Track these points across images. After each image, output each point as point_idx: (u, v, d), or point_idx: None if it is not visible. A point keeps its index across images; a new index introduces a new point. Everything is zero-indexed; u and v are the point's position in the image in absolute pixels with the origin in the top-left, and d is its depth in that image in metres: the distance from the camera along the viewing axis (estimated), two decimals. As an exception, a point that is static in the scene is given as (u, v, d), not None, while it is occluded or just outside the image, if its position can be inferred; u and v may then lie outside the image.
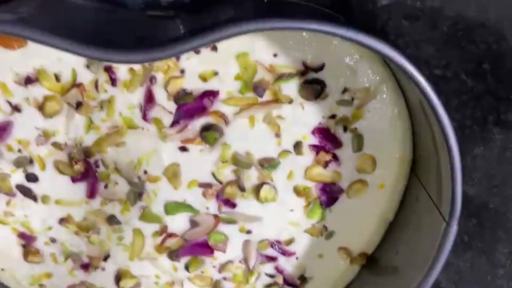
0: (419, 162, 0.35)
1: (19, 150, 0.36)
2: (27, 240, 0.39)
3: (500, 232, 0.36)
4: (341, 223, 0.38)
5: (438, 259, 0.29)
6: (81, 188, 0.37)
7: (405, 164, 0.35)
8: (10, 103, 0.34)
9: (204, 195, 0.37)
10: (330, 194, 0.37)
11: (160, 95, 0.34)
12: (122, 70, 0.33)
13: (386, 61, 0.32)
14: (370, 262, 0.39)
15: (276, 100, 0.34)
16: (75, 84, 0.33)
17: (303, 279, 0.40)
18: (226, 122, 0.35)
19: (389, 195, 0.36)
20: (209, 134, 0.35)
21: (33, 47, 0.33)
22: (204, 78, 0.33)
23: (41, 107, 0.34)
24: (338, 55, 0.32)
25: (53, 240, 0.39)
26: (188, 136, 0.35)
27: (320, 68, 0.32)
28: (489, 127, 0.32)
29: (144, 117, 0.35)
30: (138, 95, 0.34)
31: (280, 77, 0.33)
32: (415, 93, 0.28)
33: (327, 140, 0.35)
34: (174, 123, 0.35)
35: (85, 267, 0.40)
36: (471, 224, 0.37)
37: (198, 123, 0.35)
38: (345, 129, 0.34)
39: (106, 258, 0.40)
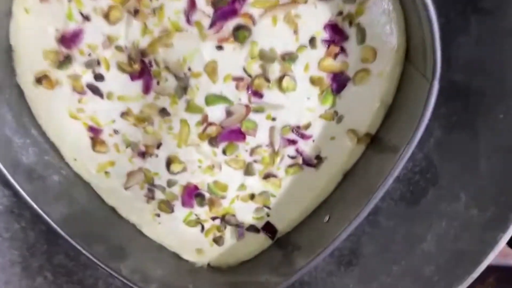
0: (412, 50, 0.43)
1: (89, 54, 0.44)
2: (95, 133, 0.48)
3: (482, 108, 0.43)
4: (349, 108, 0.45)
5: (423, 116, 0.37)
6: (138, 85, 0.45)
7: (400, 52, 0.43)
8: (81, 13, 0.43)
9: (237, 87, 0.45)
10: (339, 82, 0.44)
11: (200, 1, 0.42)
12: (170, -19, 0.41)
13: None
14: (374, 142, 0.47)
15: (294, 1, 0.41)
16: (133, -5, 0.42)
17: (319, 158, 0.48)
18: (254, 22, 0.42)
19: (388, 81, 0.44)
20: (240, 33, 0.42)
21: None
22: (235, -14, 0.41)
23: (106, 16, 0.42)
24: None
25: (116, 132, 0.47)
26: (223, 36, 0.43)
27: (329, -30, 0.40)
28: (468, 15, 0.39)
29: (188, 20, 0.43)
30: (183, 2, 0.42)
31: (297, -17, 0.41)
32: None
33: (336, 34, 0.42)
34: (212, 25, 0.42)
35: (142, 154, 0.48)
36: (458, 105, 0.44)
37: (231, 24, 0.42)
38: (350, 23, 0.42)
39: (159, 146, 0.47)
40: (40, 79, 0.45)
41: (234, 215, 0.50)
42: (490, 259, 0.44)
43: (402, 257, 0.48)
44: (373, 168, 0.46)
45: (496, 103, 0.41)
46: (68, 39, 0.43)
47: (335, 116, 0.46)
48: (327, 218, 0.47)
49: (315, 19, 0.42)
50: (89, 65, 0.44)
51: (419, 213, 0.47)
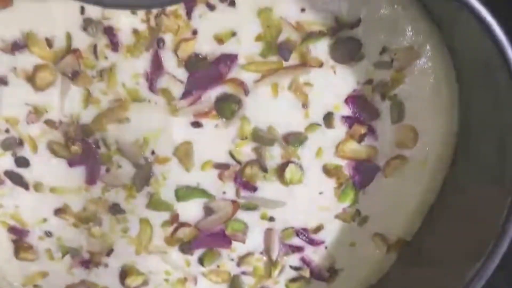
0: (468, 134, 0.31)
1: (7, 130, 0.31)
2: (18, 235, 0.35)
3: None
4: (376, 207, 0.33)
5: (502, 240, 0.25)
6: (79, 173, 0.33)
7: (451, 136, 0.31)
8: (-6, 77, 0.30)
9: (220, 177, 0.33)
10: (364, 173, 0.32)
11: (169, 61, 0.29)
12: (124, 32, 0.29)
13: (434, 16, 0.28)
14: (409, 251, 0.35)
15: (304, 63, 0.29)
16: (71, 50, 0.29)
17: (332, 271, 0.36)
18: (246, 91, 0.30)
19: (431, 173, 0.32)
20: (225, 106, 0.30)
21: (20, 7, 0.28)
22: (220, 40, 0.29)
23: (31, 79, 0.30)
24: (377, 7, 0.28)
25: (48, 234, 0.35)
26: (201, 109, 0.31)
27: (356, 23, 0.28)
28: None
29: (151, 87, 0.30)
30: (143, 62, 0.29)
31: (308, 36, 0.29)
32: (479, 51, 0.24)
33: (362, 109, 0.30)
34: (185, 94, 0.30)
35: (86, 264, 0.35)
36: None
37: (213, 93, 0.30)
38: (383, 96, 0.30)
39: (109, 253, 0.35)
40: None
41: None
42: None
43: None
44: (406, 286, 0.34)
45: None
46: (-25, 111, 0.31)
47: (357, 217, 0.34)
48: None
49: (333, 89, 0.30)
50: (7, 145, 0.32)
51: None
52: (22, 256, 0.35)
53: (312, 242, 0.35)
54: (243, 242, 0.34)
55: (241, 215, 0.34)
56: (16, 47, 0.29)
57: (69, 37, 0.29)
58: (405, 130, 0.31)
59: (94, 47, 0.29)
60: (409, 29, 0.28)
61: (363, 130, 0.31)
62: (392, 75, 0.29)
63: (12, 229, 0.34)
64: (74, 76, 0.30)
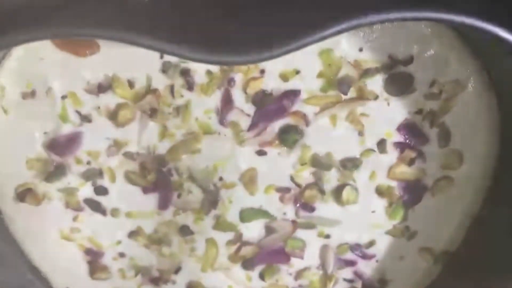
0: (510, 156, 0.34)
1: (88, 162, 0.34)
2: (94, 256, 0.37)
3: None
4: (424, 222, 0.36)
5: None
6: (152, 199, 0.36)
7: (493, 159, 0.34)
8: (79, 113, 0.33)
9: (281, 200, 0.35)
10: (413, 193, 0.35)
11: (238, 97, 0.32)
12: (199, 73, 0.32)
13: (478, 51, 0.31)
14: (453, 262, 0.38)
15: (361, 96, 0.32)
16: (150, 90, 0.32)
17: (383, 282, 0.38)
18: (307, 122, 0.33)
19: (475, 191, 0.35)
20: (289, 136, 0.33)
21: (105, 53, 0.31)
22: (285, 77, 0.32)
23: (113, 116, 0.33)
24: (428, 46, 0.31)
25: (122, 255, 0.37)
26: (266, 139, 0.33)
27: (409, 61, 0.31)
28: None
29: (221, 121, 0.33)
30: (215, 99, 0.32)
31: (365, 73, 0.32)
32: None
33: (413, 136, 0.33)
34: (252, 126, 0.33)
35: (155, 281, 0.38)
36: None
37: (277, 124, 0.33)
38: (432, 124, 0.33)
39: (177, 271, 0.38)
40: (23, 194, 0.35)
41: None
42: None
43: None
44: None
45: None
46: (61, 145, 0.33)
47: (406, 232, 0.36)
48: None
49: (386, 118, 0.32)
50: (88, 176, 0.34)
51: None
52: (96, 276, 0.38)
53: (364, 257, 0.38)
54: (301, 258, 0.37)
55: (300, 233, 0.37)
56: (101, 88, 0.32)
57: (149, 78, 0.32)
58: (451, 154, 0.34)
59: (172, 87, 0.32)
60: (456, 64, 0.31)
61: (413, 154, 0.34)
62: (440, 104, 0.32)
63: (88, 251, 0.37)
64: (152, 113, 0.32)
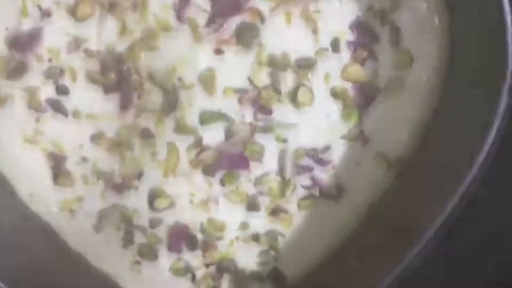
0: (459, 53, 0.35)
1: (49, 60, 0.35)
2: (57, 161, 0.38)
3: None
4: (378, 126, 0.37)
5: (487, 134, 0.29)
6: (113, 100, 0.36)
7: (444, 58, 0.35)
8: (40, 8, 0.34)
9: (240, 101, 0.36)
10: (367, 94, 0.36)
11: (194, -8, 0.34)
12: (156, -34, 0.33)
13: None
14: (408, 167, 0.39)
15: (313, -8, 0.34)
16: (108, -17, 0.33)
17: (340, 189, 0.40)
18: (262, 19, 0.34)
19: (427, 93, 0.36)
20: (244, 33, 0.34)
21: None
22: (239, -28, 0.33)
23: (72, 11, 0.34)
24: None
25: (84, 160, 0.38)
26: (223, 37, 0.35)
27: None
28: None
29: (179, 17, 0.34)
30: (172, -6, 0.34)
31: (317, -31, 0.33)
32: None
33: (364, 34, 0.34)
34: (209, 23, 0.34)
35: (118, 188, 0.39)
36: None
37: (234, 22, 0.34)
38: (382, 21, 0.34)
39: (139, 176, 0.38)
40: (-16, 94, 0.35)
41: (233, 261, 0.41)
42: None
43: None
44: (408, 201, 0.38)
45: None
46: (22, 42, 0.34)
47: (361, 137, 0.38)
48: (352, 260, 0.38)
49: (339, 17, 0.34)
50: (49, 75, 0.35)
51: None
52: (60, 182, 0.39)
53: (320, 162, 0.39)
54: (260, 162, 0.38)
55: (258, 137, 0.37)
56: (60, -18, 0.33)
57: (106, -28, 0.33)
58: (401, 53, 0.35)
59: (129, -19, 0.33)
60: (404, -40, 0.33)
61: (365, 53, 0.35)
62: (390, 2, 0.34)
63: (51, 156, 0.38)
64: (111, 8, 0.33)
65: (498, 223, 0.39)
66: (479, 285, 0.41)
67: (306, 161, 0.39)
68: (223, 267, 0.42)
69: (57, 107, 0.36)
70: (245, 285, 0.44)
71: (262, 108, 0.37)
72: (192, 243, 0.41)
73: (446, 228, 0.34)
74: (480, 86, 0.31)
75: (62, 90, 0.36)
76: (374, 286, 0.34)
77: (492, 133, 0.31)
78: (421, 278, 0.36)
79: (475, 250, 0.41)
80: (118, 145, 0.38)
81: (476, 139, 0.31)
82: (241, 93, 0.36)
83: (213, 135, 0.38)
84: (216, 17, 0.34)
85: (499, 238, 0.41)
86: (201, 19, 0.34)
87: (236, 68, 0.35)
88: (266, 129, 0.38)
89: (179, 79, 0.36)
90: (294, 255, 0.42)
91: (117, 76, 0.35)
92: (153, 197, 0.40)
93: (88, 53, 0.35)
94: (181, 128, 0.37)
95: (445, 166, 0.36)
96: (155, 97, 0.36)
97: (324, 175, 0.40)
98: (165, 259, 0.42)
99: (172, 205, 0.40)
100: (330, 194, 0.40)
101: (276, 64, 0.35)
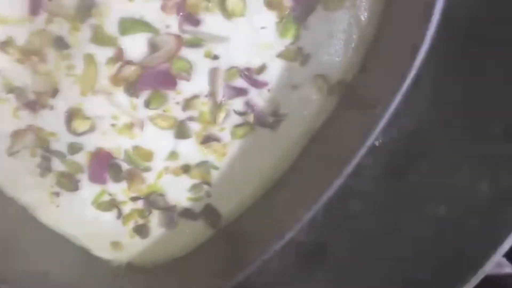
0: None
1: None
2: (-40, 72, 0.35)
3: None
4: (317, 43, 0.34)
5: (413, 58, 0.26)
6: (22, 2, 0.33)
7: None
8: None
9: (163, 8, 0.33)
10: (304, 4, 0.33)
11: None
12: None
13: None
14: (349, 93, 0.36)
15: None
16: None
17: (276, 115, 0.36)
18: None
19: (369, 5, 0.33)
20: None
21: None
22: None
23: None
24: None
25: (-7, 71, 0.35)
26: None
27: None
28: None
29: None
30: None
31: None
32: None
33: None
34: None
35: (32, 105, 0.35)
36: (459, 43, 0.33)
37: None
38: None
39: (54, 93, 0.35)
40: None
41: (162, 195, 0.38)
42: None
43: (383, 253, 0.37)
44: (348, 129, 0.35)
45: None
46: None
47: (299, 55, 0.34)
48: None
49: None
50: None
51: (406, 192, 0.36)
52: (-34, 97, 0.36)
53: (255, 84, 0.35)
54: (188, 80, 0.35)
55: (186, 52, 0.34)
56: None
57: None
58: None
59: None
60: None
61: (301, -46, 0.32)
62: None
63: (-47, 66, 0.35)
64: None
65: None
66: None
67: (239, 82, 0.36)
68: (152, 201, 0.39)
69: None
70: (176, 223, 0.41)
71: (188, 17, 0.33)
72: (116, 173, 0.38)
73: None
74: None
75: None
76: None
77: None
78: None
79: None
80: (30, 55, 0.34)
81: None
82: (164, -2, 0.33)
83: (135, 48, 0.34)
84: None
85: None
86: None
87: (157, -32, 0.32)
88: (194, 43, 0.34)
89: (94, -22, 0.32)
90: (228, 190, 0.39)
91: (25, -28, 0.32)
92: (71, 118, 0.36)
93: None
94: (99, 38, 0.33)
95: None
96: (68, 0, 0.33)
97: (259, 99, 0.36)
98: (87, 191, 0.38)
99: (92, 128, 0.37)
100: (266, 122, 0.37)
101: (202, -35, 0.32)
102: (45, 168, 0.38)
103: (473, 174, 0.35)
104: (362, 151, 0.33)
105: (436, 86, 0.35)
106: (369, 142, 0.33)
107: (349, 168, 0.32)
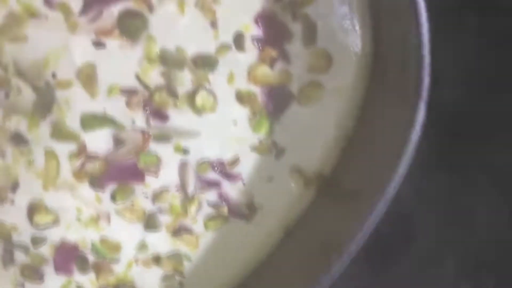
0: (381, 57, 0.30)
1: None
2: None
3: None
4: (293, 137, 0.32)
5: (404, 152, 0.25)
6: (-24, 98, 0.31)
7: (365, 60, 0.30)
8: None
9: (128, 104, 0.31)
10: (278, 100, 0.31)
11: (64, -29, 0.28)
12: None
13: None
14: (328, 185, 0.34)
15: (208, -23, 0.28)
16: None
17: (251, 208, 0.34)
18: (150, 7, 0.28)
19: (347, 101, 0.31)
20: (129, 23, 0.29)
21: None
22: (119, -52, 0.28)
23: None
24: None
25: None
26: (103, 27, 0.29)
27: None
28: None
29: (47, 1, 0.28)
30: (36, -28, 0.28)
31: None
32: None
33: (273, 30, 0.29)
34: (84, 9, 0.28)
35: (-10, 200, 0.34)
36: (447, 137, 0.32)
37: (116, 9, 0.29)
38: (294, 15, 0.29)
39: (14, 188, 0.33)
40: None
41: (133, 286, 0.36)
42: None
43: None
44: (328, 222, 0.33)
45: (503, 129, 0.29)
46: None
47: (273, 149, 0.32)
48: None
49: (242, 6, 0.28)
50: None
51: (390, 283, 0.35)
52: None
53: (228, 177, 0.34)
54: (156, 176, 0.33)
55: (153, 147, 0.32)
56: None
57: None
58: (317, 54, 0.30)
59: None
60: None
61: (274, 52, 0.29)
62: (302, -8, 0.29)
63: None
64: (-38, -14, 0.28)
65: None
66: None
67: (211, 175, 0.34)
68: (121, 292, 0.37)
69: None
70: (147, 313, 0.39)
71: (156, 113, 0.31)
72: (83, 265, 0.36)
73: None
74: (399, 98, 0.26)
75: None
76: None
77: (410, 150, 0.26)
78: None
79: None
80: (-14, 152, 0.32)
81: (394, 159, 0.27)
82: (129, 94, 0.31)
83: (99, 143, 0.32)
84: (94, 3, 0.28)
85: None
86: (76, 4, 0.28)
87: (121, 65, 0.29)
88: (162, 138, 0.32)
89: (53, 75, 0.30)
90: (202, 280, 0.37)
91: (-22, 70, 0.30)
92: (33, 212, 0.34)
93: None
94: (59, 133, 0.31)
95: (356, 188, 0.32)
96: (26, 97, 0.31)
97: (233, 191, 0.35)
98: (53, 281, 0.36)
99: (56, 221, 0.35)
100: (241, 213, 0.35)
101: (169, 62, 0.29)
102: (7, 260, 0.36)
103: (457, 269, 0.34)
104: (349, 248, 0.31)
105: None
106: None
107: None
